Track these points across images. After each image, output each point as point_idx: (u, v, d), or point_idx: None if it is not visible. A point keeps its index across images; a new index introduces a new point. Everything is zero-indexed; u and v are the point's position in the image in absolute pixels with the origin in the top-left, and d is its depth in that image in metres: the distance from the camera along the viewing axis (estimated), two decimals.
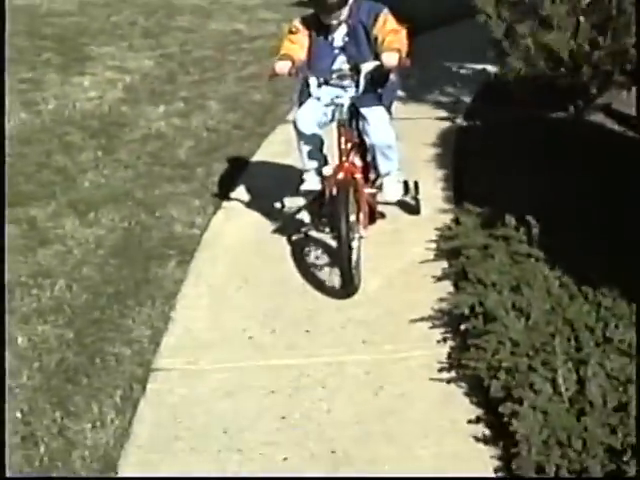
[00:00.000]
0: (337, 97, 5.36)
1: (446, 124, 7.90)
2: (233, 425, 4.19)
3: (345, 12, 5.33)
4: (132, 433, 4.20)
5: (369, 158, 5.65)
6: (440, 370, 4.40)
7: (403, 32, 5.29)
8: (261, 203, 6.40)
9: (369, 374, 4.48)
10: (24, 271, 5.71)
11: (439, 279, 5.20)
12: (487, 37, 7.74)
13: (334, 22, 5.38)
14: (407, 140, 6.68)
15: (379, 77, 5.31)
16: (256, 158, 7.52)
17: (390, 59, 5.08)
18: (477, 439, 3.91)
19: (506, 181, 6.06)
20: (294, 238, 5.88)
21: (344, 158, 5.31)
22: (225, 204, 6.61)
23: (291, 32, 5.47)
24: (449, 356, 4.46)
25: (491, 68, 8.40)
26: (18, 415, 4.32)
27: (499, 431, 3.87)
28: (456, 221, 5.64)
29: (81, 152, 7.72)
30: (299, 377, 4.51)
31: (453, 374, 4.34)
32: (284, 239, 5.91)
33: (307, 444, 4.02)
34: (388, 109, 5.47)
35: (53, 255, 5.93)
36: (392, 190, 5.68)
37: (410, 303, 5.01)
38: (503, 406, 3.81)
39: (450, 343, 4.58)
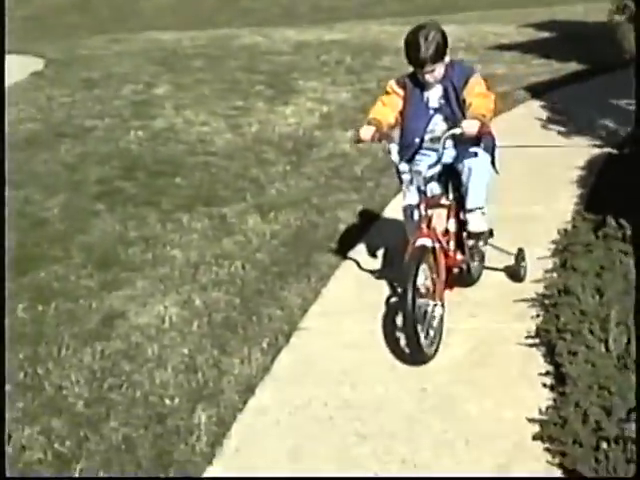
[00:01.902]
0: (416, 164, 5.36)
1: (597, 152, 8.66)
2: (350, 369, 5.17)
3: (440, 71, 5.29)
4: (271, 370, 5.26)
5: (460, 192, 5.59)
6: (527, 337, 5.26)
7: (491, 97, 5.31)
8: None
9: (470, 337, 5.38)
10: (209, 253, 6.91)
11: (548, 271, 6.03)
12: None
13: (430, 80, 5.33)
14: (554, 165, 7.56)
15: (465, 140, 5.30)
16: None
17: (470, 127, 5.08)
18: (544, 386, 4.76)
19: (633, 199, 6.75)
20: None
21: (423, 225, 5.25)
22: (386, 211, 7.63)
23: (386, 92, 5.55)
24: (537, 328, 5.31)
25: None
26: (185, 351, 5.48)
27: (561, 381, 4.71)
28: (573, 226, 6.45)
29: (273, 166, 8.94)
30: None
31: (537, 340, 5.19)
32: None
33: (404, 382, 4.98)
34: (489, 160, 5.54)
35: (234, 243, 7.11)
36: (477, 221, 5.59)
37: (518, 288, 5.87)
38: (560, 357, 4.65)
39: (542, 318, 5.42)
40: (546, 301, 5.40)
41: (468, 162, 5.43)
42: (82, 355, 5.50)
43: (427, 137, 5.46)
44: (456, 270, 5.72)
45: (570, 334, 4.84)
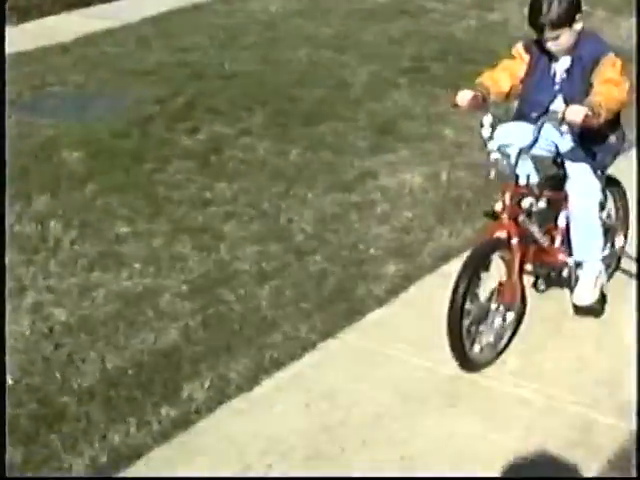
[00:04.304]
0: (505, 146, 4.46)
1: None
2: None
3: (566, 39, 4.42)
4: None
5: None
6: None
7: (624, 85, 4.39)
8: None
9: None
10: (477, 137, 7.38)
11: None
12: None
13: (552, 49, 4.49)
14: None
15: (589, 132, 4.43)
16: None
17: (572, 114, 4.20)
18: None
19: None
20: None
21: (504, 215, 4.48)
22: None
23: (512, 57, 4.74)
24: None
25: None
26: (409, 215, 6.10)
27: None
28: None
29: None
30: None
31: None
32: None
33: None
34: (598, 171, 4.71)
35: None
36: (583, 290, 4.79)
37: None
38: None
39: None
40: None
41: (569, 164, 4.70)
42: (322, 200, 6.29)
43: (549, 115, 4.46)
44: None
45: None
